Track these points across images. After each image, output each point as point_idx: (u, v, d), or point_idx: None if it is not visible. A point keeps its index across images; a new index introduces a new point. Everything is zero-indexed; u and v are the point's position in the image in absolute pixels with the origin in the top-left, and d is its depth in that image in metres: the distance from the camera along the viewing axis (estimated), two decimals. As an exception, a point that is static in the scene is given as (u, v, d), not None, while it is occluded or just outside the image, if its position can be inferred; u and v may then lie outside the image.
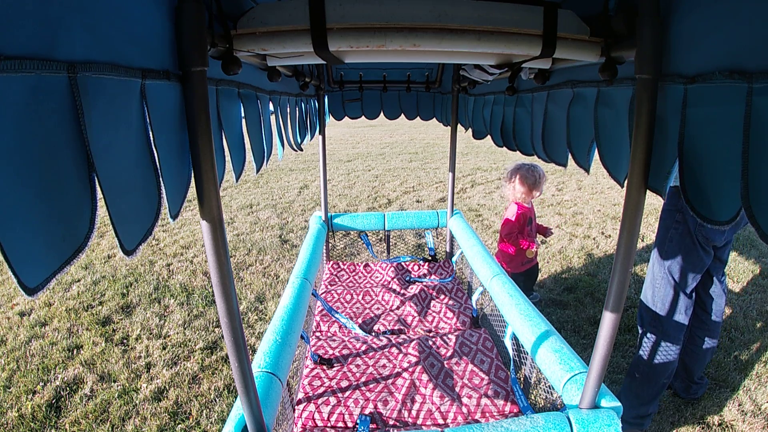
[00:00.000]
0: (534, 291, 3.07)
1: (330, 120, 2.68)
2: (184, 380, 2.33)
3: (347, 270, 2.62)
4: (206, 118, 0.69)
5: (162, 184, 0.64)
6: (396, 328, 1.96)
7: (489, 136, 2.01)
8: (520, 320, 1.43)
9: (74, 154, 0.47)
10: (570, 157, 1.22)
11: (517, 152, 1.67)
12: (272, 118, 1.47)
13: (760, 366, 2.37)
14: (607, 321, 0.91)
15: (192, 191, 0.75)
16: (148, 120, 0.61)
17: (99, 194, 0.50)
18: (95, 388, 2.27)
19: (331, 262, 2.69)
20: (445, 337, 1.81)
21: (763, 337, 2.63)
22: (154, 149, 0.63)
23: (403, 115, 2.64)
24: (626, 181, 0.83)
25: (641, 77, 0.74)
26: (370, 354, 1.70)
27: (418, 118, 2.71)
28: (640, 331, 1.98)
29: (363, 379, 1.55)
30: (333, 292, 2.28)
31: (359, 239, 2.87)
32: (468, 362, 1.66)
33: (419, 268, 2.61)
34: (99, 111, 0.49)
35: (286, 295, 1.61)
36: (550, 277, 3.53)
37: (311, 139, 2.41)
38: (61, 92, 0.44)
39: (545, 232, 2.86)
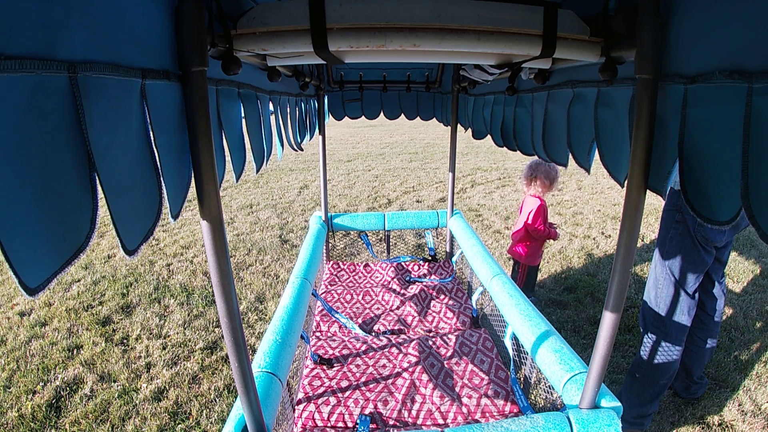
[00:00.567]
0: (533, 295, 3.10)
1: (330, 120, 2.68)
2: (184, 380, 2.33)
3: (347, 270, 2.62)
4: (206, 118, 0.70)
5: (163, 183, 0.64)
6: (396, 328, 1.96)
7: (489, 136, 2.01)
8: (520, 320, 1.43)
9: (75, 154, 0.47)
10: (570, 157, 1.22)
11: (518, 152, 1.67)
12: (272, 118, 1.47)
13: (760, 366, 2.37)
14: (607, 321, 0.91)
15: (192, 191, 0.75)
16: (148, 120, 0.61)
17: (100, 194, 0.50)
18: (95, 388, 2.27)
19: (331, 262, 2.69)
20: (445, 337, 1.81)
21: (763, 337, 2.63)
22: (154, 149, 0.63)
23: (403, 115, 2.64)
24: (626, 181, 0.83)
25: (641, 77, 0.74)
26: (370, 354, 1.70)
27: (418, 118, 2.71)
28: (642, 332, 1.98)
29: (363, 379, 1.55)
30: (333, 292, 2.28)
31: (359, 239, 2.87)
32: (468, 362, 1.66)
33: (419, 268, 2.61)
34: (99, 111, 0.49)
35: (286, 295, 1.61)
36: (550, 277, 3.53)
37: (311, 139, 2.41)
38: (62, 92, 0.44)
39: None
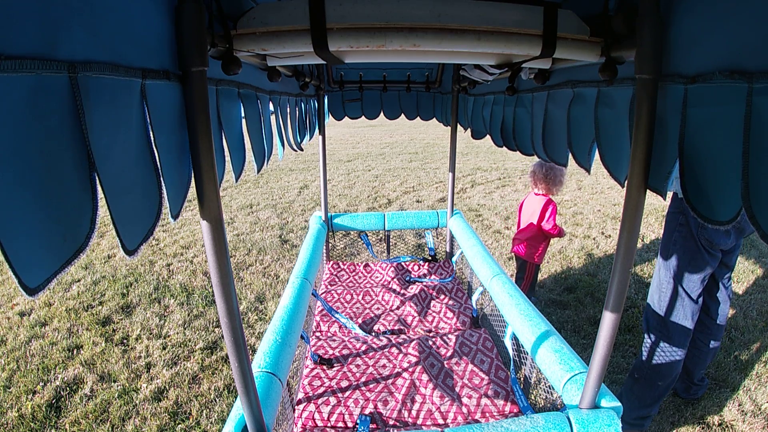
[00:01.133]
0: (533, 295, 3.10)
1: (330, 120, 2.68)
2: (184, 380, 2.33)
3: (347, 270, 2.62)
4: (206, 118, 0.70)
5: (162, 184, 0.64)
6: (396, 328, 1.96)
7: (488, 136, 2.01)
8: (520, 320, 1.43)
9: (75, 154, 0.47)
10: (570, 156, 1.22)
11: (517, 152, 1.67)
12: (272, 118, 1.47)
13: (760, 366, 2.37)
14: (607, 321, 0.91)
15: (192, 191, 0.75)
16: (148, 120, 0.61)
17: (100, 194, 0.50)
18: (95, 388, 2.27)
19: (331, 262, 2.69)
20: (445, 337, 1.81)
21: (763, 337, 2.63)
22: (154, 149, 0.63)
23: (403, 115, 2.64)
24: (626, 181, 0.83)
25: (641, 77, 0.74)
26: (370, 354, 1.70)
27: (418, 118, 2.71)
28: (644, 334, 1.97)
29: (363, 379, 1.55)
30: (333, 292, 2.28)
31: (359, 239, 2.87)
32: (468, 362, 1.66)
33: (419, 268, 2.61)
34: (99, 111, 0.49)
35: (286, 295, 1.61)
36: (550, 277, 3.53)
37: (311, 139, 2.41)
38: (62, 92, 0.44)
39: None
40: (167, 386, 2.28)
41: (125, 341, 2.70)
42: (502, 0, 0.84)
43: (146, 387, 2.28)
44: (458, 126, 2.40)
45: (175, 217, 0.69)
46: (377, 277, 2.53)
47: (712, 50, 0.63)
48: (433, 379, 1.55)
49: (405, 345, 1.74)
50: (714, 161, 0.67)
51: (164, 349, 2.61)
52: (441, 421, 1.39)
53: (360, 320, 2.02)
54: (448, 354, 1.70)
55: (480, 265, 1.93)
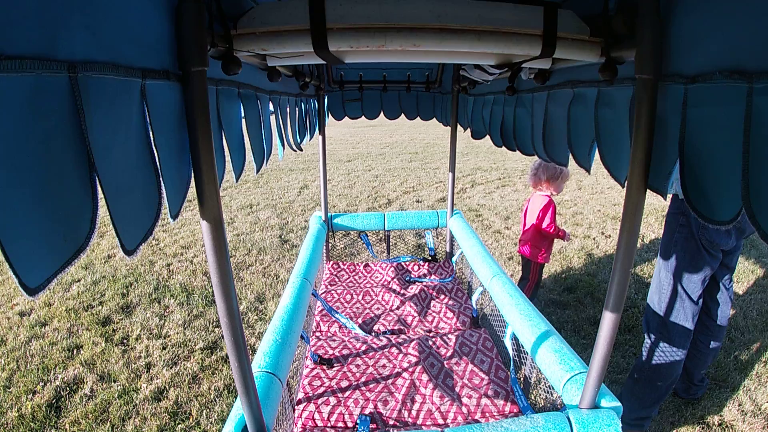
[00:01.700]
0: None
1: (330, 120, 2.68)
2: (184, 380, 2.33)
3: (347, 270, 2.62)
4: (206, 118, 0.70)
5: (162, 184, 0.64)
6: (396, 328, 1.96)
7: (488, 136, 2.01)
8: (520, 320, 1.43)
9: (75, 154, 0.47)
10: (570, 156, 1.22)
11: (517, 152, 1.67)
12: (272, 118, 1.47)
13: (760, 366, 2.37)
14: (607, 321, 0.91)
15: (192, 191, 0.75)
16: (148, 120, 0.61)
17: (100, 194, 0.50)
18: (95, 388, 2.27)
19: (331, 262, 2.69)
20: (445, 337, 1.81)
21: (763, 337, 2.63)
22: (154, 149, 0.63)
23: (403, 115, 2.64)
24: (626, 181, 0.83)
25: (641, 77, 0.74)
26: (370, 354, 1.70)
27: (418, 118, 2.71)
28: (645, 335, 1.97)
29: (363, 379, 1.55)
30: (333, 292, 2.28)
31: (359, 239, 2.86)
32: (468, 362, 1.66)
33: (419, 268, 2.61)
34: (99, 111, 0.49)
35: (286, 295, 1.61)
36: (550, 277, 3.53)
37: (311, 139, 2.41)
38: (62, 92, 0.44)
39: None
40: (167, 386, 2.28)
41: (125, 341, 2.70)
42: (503, 0, 0.84)
43: (146, 387, 2.28)
44: (458, 126, 2.40)
45: (174, 217, 0.69)
46: (377, 277, 2.53)
47: (712, 50, 0.63)
48: (433, 379, 1.55)
49: (405, 345, 1.74)
50: (714, 161, 0.67)
51: (164, 349, 2.61)
52: (441, 421, 1.39)
53: (360, 320, 2.02)
54: (448, 354, 1.70)
55: (480, 265, 1.93)
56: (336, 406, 1.41)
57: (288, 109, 1.75)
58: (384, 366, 1.62)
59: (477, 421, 1.36)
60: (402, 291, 2.28)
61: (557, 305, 3.07)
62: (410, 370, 1.58)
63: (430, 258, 2.75)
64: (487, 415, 1.41)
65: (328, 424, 1.38)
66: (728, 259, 1.90)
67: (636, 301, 3.06)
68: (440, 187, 6.75)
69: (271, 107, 1.47)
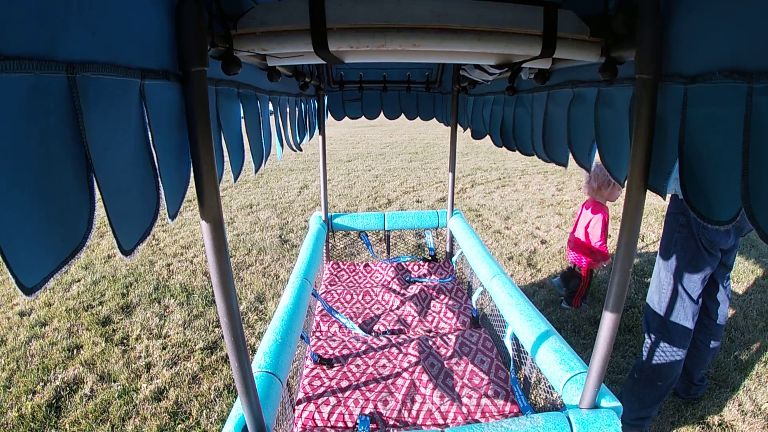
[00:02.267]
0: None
1: (330, 120, 2.68)
2: (184, 380, 2.33)
3: (347, 270, 2.62)
4: (206, 119, 0.69)
5: (161, 184, 0.64)
6: (396, 328, 1.96)
7: (488, 136, 2.01)
8: (520, 320, 1.43)
9: (73, 154, 0.46)
10: (570, 156, 1.22)
11: (517, 152, 1.67)
12: (272, 118, 1.47)
13: (760, 366, 2.37)
14: (607, 321, 0.91)
15: (192, 191, 0.75)
16: (147, 120, 0.61)
17: (97, 194, 0.50)
18: (95, 388, 2.27)
19: (331, 262, 2.69)
20: (445, 337, 1.81)
21: (763, 337, 2.63)
22: (153, 149, 0.63)
23: (403, 115, 2.64)
24: (626, 181, 0.83)
25: (641, 77, 0.74)
26: (370, 354, 1.70)
27: (418, 118, 2.71)
28: (645, 335, 1.97)
29: (363, 379, 1.55)
30: (333, 292, 2.28)
31: (359, 239, 2.86)
32: (468, 362, 1.66)
33: (419, 268, 2.61)
34: (98, 111, 0.49)
35: (286, 295, 1.61)
36: (550, 277, 3.53)
37: (311, 139, 2.41)
38: (60, 92, 0.44)
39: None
40: (167, 386, 2.28)
41: (125, 341, 2.70)
42: (502, 0, 0.84)
43: (146, 387, 2.28)
44: (458, 126, 2.40)
45: (172, 217, 0.69)
46: (377, 277, 2.53)
47: (712, 50, 0.63)
48: (433, 379, 1.55)
49: (405, 345, 1.74)
50: (714, 161, 0.67)
51: (164, 349, 2.61)
52: (441, 421, 1.39)
53: (360, 320, 2.02)
54: (448, 354, 1.70)
55: (480, 265, 1.93)
56: (336, 406, 1.41)
57: (288, 109, 1.74)
58: (384, 366, 1.62)
59: (477, 421, 1.36)
60: (402, 291, 2.28)
61: (557, 305, 3.07)
62: (410, 370, 1.58)
63: (430, 258, 2.75)
64: (487, 415, 1.41)
65: (328, 424, 1.38)
66: (726, 257, 1.91)
67: (636, 301, 3.06)
68: (440, 187, 6.75)
69: (270, 107, 1.46)
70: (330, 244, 2.72)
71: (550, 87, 1.27)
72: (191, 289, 3.36)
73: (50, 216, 0.44)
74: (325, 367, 1.61)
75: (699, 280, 1.83)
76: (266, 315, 3.02)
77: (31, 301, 3.12)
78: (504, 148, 1.81)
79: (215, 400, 2.19)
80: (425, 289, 2.28)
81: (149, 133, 0.62)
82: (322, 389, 1.49)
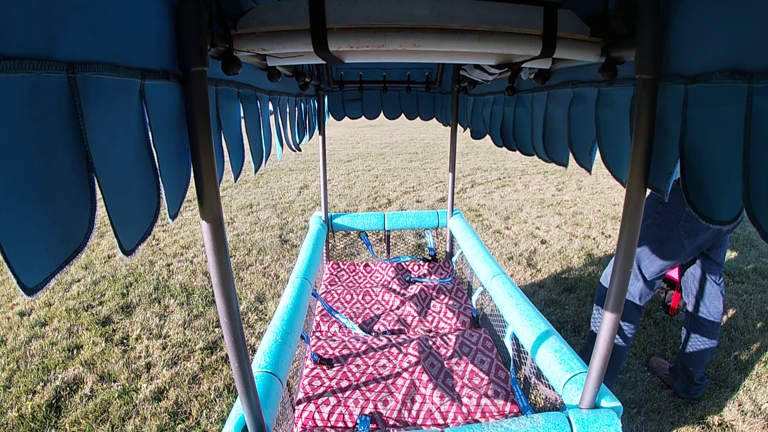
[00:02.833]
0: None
1: (330, 120, 2.68)
2: (184, 380, 2.33)
3: (347, 270, 2.62)
4: (206, 119, 0.69)
5: (161, 184, 0.64)
6: (396, 328, 1.96)
7: (488, 136, 2.01)
8: (520, 320, 1.43)
9: (73, 154, 0.46)
10: (570, 156, 1.22)
11: (517, 152, 1.67)
12: (272, 118, 1.47)
13: (760, 366, 2.37)
14: (607, 321, 0.91)
15: (192, 191, 0.75)
16: (147, 120, 0.61)
17: (98, 194, 0.50)
18: (95, 388, 2.27)
19: (331, 262, 2.69)
20: (445, 337, 1.81)
21: (763, 337, 2.63)
22: (153, 149, 0.63)
23: (403, 115, 2.64)
24: (627, 181, 0.83)
25: (641, 77, 0.74)
26: (370, 354, 1.70)
27: (418, 118, 2.71)
28: (594, 308, 2.12)
29: (363, 379, 1.55)
30: (333, 292, 2.28)
31: (359, 239, 2.86)
32: (468, 362, 1.66)
33: (419, 268, 2.61)
34: (98, 111, 0.49)
35: (286, 295, 1.61)
36: (550, 277, 3.53)
37: (310, 139, 2.41)
38: (61, 92, 0.44)
39: None
40: (167, 386, 2.28)
41: (125, 341, 2.70)
42: (502, 0, 0.84)
43: (146, 387, 2.28)
44: (458, 126, 2.40)
45: (173, 217, 0.69)
46: (377, 277, 2.53)
47: (712, 50, 0.63)
48: (433, 379, 1.55)
49: (405, 345, 1.74)
50: (714, 161, 0.67)
51: (164, 349, 2.61)
52: (441, 421, 1.39)
53: (360, 320, 2.02)
54: (448, 354, 1.70)
55: (480, 265, 1.93)
56: (336, 406, 1.41)
57: (288, 109, 1.75)
58: (384, 366, 1.62)
59: (477, 421, 1.36)
60: (402, 291, 2.28)
61: (557, 305, 3.07)
62: (410, 370, 1.58)
63: (430, 258, 2.75)
64: (487, 415, 1.41)
65: (328, 424, 1.38)
66: (715, 254, 1.96)
67: (636, 301, 3.05)
68: (440, 187, 6.75)
69: (270, 107, 1.46)
70: (330, 244, 2.72)
71: (550, 87, 1.27)
72: (191, 289, 3.36)
73: (51, 216, 0.44)
74: (325, 367, 1.61)
75: (660, 267, 1.89)
76: (266, 315, 3.02)
77: (31, 301, 3.12)
78: (504, 148, 1.81)
79: (215, 400, 2.19)
80: (425, 289, 2.28)
81: (149, 133, 0.62)
82: (322, 389, 1.50)
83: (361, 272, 2.60)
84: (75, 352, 2.59)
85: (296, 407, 1.42)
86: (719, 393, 2.18)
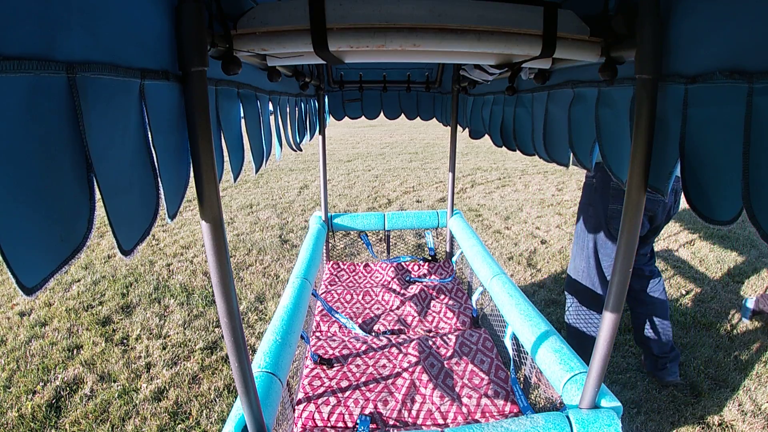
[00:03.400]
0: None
1: (330, 120, 2.68)
2: (184, 380, 2.33)
3: (347, 270, 2.62)
4: (206, 119, 0.69)
5: (160, 184, 0.64)
6: (396, 328, 1.96)
7: (488, 136, 2.01)
8: (520, 320, 1.43)
9: (73, 154, 0.46)
10: (570, 156, 1.22)
11: (518, 152, 1.67)
12: (272, 118, 1.47)
13: (760, 366, 2.37)
14: (607, 321, 0.91)
15: (192, 191, 0.75)
16: (146, 120, 0.61)
17: (97, 195, 0.50)
18: (95, 388, 2.27)
19: (331, 262, 2.69)
20: (445, 337, 1.81)
21: (763, 337, 2.63)
22: (152, 149, 0.63)
23: (403, 115, 2.64)
24: (627, 181, 0.83)
25: (641, 77, 0.74)
26: (370, 354, 1.70)
27: (418, 118, 2.71)
28: (567, 297, 2.35)
29: (363, 379, 1.55)
30: (333, 292, 2.28)
31: (359, 239, 2.86)
32: (468, 362, 1.66)
33: (419, 268, 2.61)
34: (97, 111, 0.49)
35: (286, 295, 1.61)
36: (550, 277, 3.53)
37: (311, 139, 2.41)
38: (60, 93, 0.44)
39: None
40: (167, 386, 2.28)
41: (125, 341, 2.70)
42: (502, 0, 0.84)
43: (146, 387, 2.28)
44: (458, 126, 2.40)
45: (172, 217, 0.69)
46: (377, 277, 2.53)
47: (712, 50, 0.63)
48: (433, 379, 1.55)
49: (405, 345, 1.74)
50: (714, 161, 0.67)
51: (164, 349, 2.61)
52: (441, 421, 1.39)
53: (360, 320, 2.02)
54: (448, 354, 1.70)
55: (480, 265, 1.93)
56: (336, 406, 1.41)
57: (288, 109, 1.75)
58: (384, 366, 1.62)
59: (477, 421, 1.36)
60: (402, 291, 2.28)
61: (557, 305, 3.07)
62: (410, 370, 1.58)
63: (430, 258, 2.75)
64: (487, 415, 1.41)
65: (328, 424, 1.38)
66: (640, 247, 2.14)
67: (636, 301, 3.05)
68: (440, 187, 6.75)
69: (270, 107, 1.46)
70: (330, 244, 2.72)
71: (550, 87, 1.27)
72: (191, 289, 3.36)
73: (50, 216, 0.44)
74: (325, 367, 1.61)
75: (602, 248, 2.12)
76: (266, 315, 3.02)
77: (31, 301, 3.12)
78: (504, 148, 1.81)
79: (215, 400, 2.19)
80: (425, 289, 2.28)
81: (149, 133, 0.62)
82: (322, 389, 1.50)
83: (361, 272, 2.60)
84: (75, 352, 2.59)
85: (296, 407, 1.42)
86: (719, 393, 2.18)
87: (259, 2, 0.86)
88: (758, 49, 0.56)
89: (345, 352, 1.71)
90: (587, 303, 2.19)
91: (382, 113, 2.62)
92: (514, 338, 1.55)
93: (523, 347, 1.44)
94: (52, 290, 3.32)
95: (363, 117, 2.63)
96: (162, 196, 0.65)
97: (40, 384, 2.30)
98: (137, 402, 2.18)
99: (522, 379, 1.51)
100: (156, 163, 0.63)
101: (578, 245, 2.22)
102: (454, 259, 2.60)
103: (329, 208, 5.35)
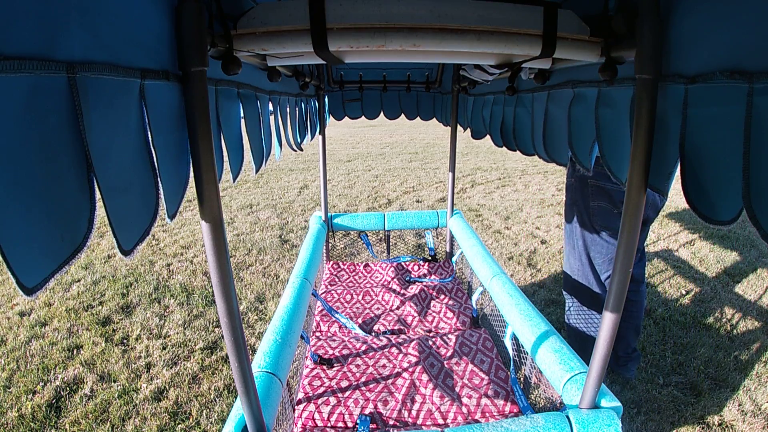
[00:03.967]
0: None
1: (330, 120, 2.68)
2: (184, 380, 2.33)
3: (347, 270, 2.62)
4: (206, 119, 0.69)
5: (160, 184, 0.64)
6: (396, 328, 1.96)
7: (488, 136, 2.01)
8: (520, 320, 1.43)
9: (73, 154, 0.46)
10: (570, 156, 1.22)
11: (518, 152, 1.67)
12: (272, 118, 1.47)
13: (760, 366, 2.37)
14: (607, 321, 0.91)
15: (192, 191, 0.75)
16: (147, 120, 0.61)
17: (97, 194, 0.50)
18: (95, 388, 2.27)
19: (331, 262, 2.69)
20: (445, 337, 1.81)
21: (763, 337, 2.63)
22: (152, 149, 0.63)
23: (403, 115, 2.64)
24: (627, 181, 0.83)
25: (641, 77, 0.74)
26: (370, 354, 1.70)
27: (418, 118, 2.71)
28: (565, 296, 2.33)
29: (363, 379, 1.55)
30: (333, 292, 2.28)
31: (359, 239, 2.86)
32: (468, 362, 1.66)
33: (419, 268, 2.61)
34: (98, 111, 0.49)
35: (286, 295, 1.61)
36: (550, 277, 3.53)
37: (311, 139, 2.41)
38: (60, 92, 0.44)
39: None
40: (167, 386, 2.28)
41: (125, 341, 2.70)
42: (502, 0, 0.84)
43: (146, 387, 2.28)
44: (458, 126, 2.40)
45: (171, 217, 0.69)
46: (377, 277, 2.53)
47: (712, 50, 0.63)
48: (433, 379, 1.55)
49: (405, 345, 1.74)
50: (715, 161, 0.67)
51: (164, 349, 2.61)
52: (441, 421, 1.39)
53: (360, 320, 2.02)
54: (448, 354, 1.70)
55: (480, 265, 1.93)
56: (336, 406, 1.41)
57: (288, 109, 1.75)
58: (384, 366, 1.62)
59: (477, 421, 1.36)
60: (402, 291, 2.28)
61: (557, 305, 3.07)
62: (410, 370, 1.58)
63: (430, 258, 2.75)
64: (487, 415, 1.41)
65: (328, 424, 1.38)
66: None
67: (636, 301, 3.05)
68: (440, 187, 6.75)
69: (270, 107, 1.46)
70: (330, 244, 2.72)
71: (550, 87, 1.27)
72: (191, 289, 3.36)
73: (50, 216, 0.44)
74: (325, 367, 1.61)
75: (599, 257, 2.12)
76: (266, 315, 3.02)
77: (31, 301, 3.12)
78: (504, 148, 1.81)
79: (215, 400, 2.19)
80: (425, 289, 2.28)
81: (149, 133, 0.62)
82: (322, 389, 1.50)
83: (361, 272, 2.60)
84: (75, 352, 2.59)
85: (296, 407, 1.42)
86: (719, 393, 2.18)
87: (259, 2, 0.86)
88: (758, 49, 0.56)
89: (345, 352, 1.71)
90: (587, 303, 2.19)
91: (382, 113, 2.62)
92: (514, 338, 1.55)
93: (523, 347, 1.44)
94: (52, 290, 3.32)
95: (363, 117, 2.63)
96: (162, 196, 0.65)
97: (40, 384, 2.30)
98: (137, 402, 2.18)
99: (522, 379, 1.51)
100: (156, 163, 0.63)
101: (569, 244, 2.23)
102: (454, 259, 2.60)
103: (329, 208, 5.35)
